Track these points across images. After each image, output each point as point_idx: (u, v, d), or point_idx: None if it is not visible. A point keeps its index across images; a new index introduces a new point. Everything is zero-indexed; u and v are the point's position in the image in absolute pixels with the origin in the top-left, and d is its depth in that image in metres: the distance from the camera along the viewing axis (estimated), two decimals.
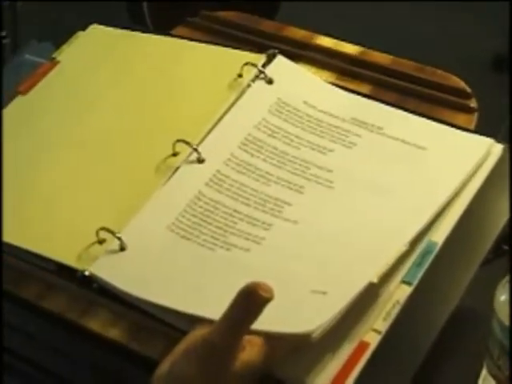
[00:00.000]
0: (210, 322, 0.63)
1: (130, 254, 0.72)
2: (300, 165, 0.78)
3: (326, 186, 0.76)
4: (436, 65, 0.91)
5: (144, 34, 0.92)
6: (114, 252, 0.72)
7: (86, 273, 0.71)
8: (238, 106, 0.82)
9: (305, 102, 0.83)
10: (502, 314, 0.64)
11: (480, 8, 2.42)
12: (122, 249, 0.72)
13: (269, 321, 0.63)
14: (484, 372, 0.68)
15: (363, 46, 0.93)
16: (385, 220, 0.73)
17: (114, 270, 0.71)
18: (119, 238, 0.72)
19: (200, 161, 0.78)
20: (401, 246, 0.69)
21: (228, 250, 0.72)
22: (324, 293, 0.66)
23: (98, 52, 0.91)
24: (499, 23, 2.27)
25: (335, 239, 0.72)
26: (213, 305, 0.66)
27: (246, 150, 0.79)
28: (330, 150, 0.79)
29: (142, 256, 0.72)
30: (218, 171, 0.77)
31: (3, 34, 1.26)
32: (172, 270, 0.71)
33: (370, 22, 2.40)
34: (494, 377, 0.66)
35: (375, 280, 0.66)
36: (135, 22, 1.58)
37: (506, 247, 0.80)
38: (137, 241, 0.72)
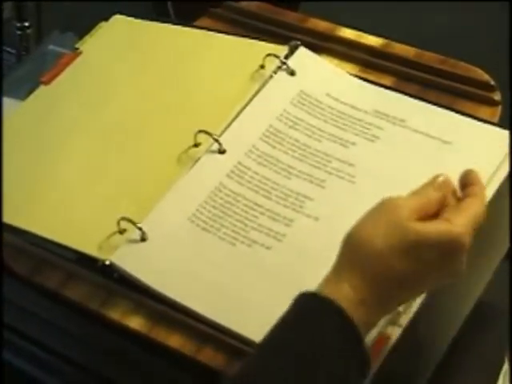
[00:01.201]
0: None
1: (151, 245, 0.72)
2: (321, 158, 0.78)
3: (348, 181, 0.76)
4: (460, 57, 0.90)
5: (166, 25, 0.92)
6: (134, 242, 0.72)
7: (107, 262, 0.71)
8: (259, 97, 0.82)
9: (327, 94, 0.83)
10: None
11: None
12: (143, 239, 0.72)
13: None
14: (505, 366, 0.68)
15: (386, 38, 0.92)
16: None
17: (134, 260, 0.71)
18: (140, 229, 0.72)
19: (221, 152, 0.78)
20: None
21: (249, 246, 0.72)
22: None
23: (121, 42, 0.92)
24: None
25: None
26: (233, 311, 0.68)
27: (267, 142, 0.79)
28: (353, 143, 0.79)
29: (162, 247, 0.72)
30: (240, 163, 0.77)
31: (27, 23, 1.27)
32: (192, 264, 0.71)
33: (392, 15, 2.39)
34: None
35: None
36: (158, 13, 1.58)
37: None
38: (157, 231, 0.73)
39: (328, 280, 0.61)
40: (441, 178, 0.64)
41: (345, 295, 0.59)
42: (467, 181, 0.65)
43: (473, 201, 0.63)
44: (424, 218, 0.61)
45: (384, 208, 0.62)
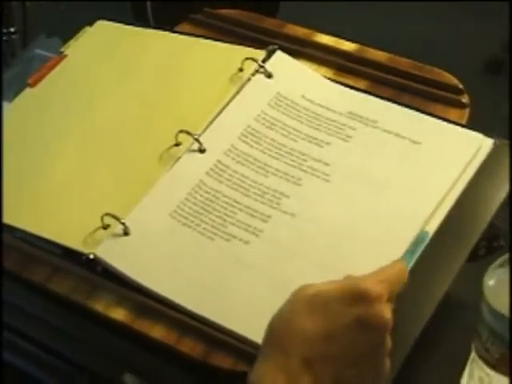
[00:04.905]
0: None
1: (133, 239, 0.74)
2: (297, 157, 0.80)
3: (323, 179, 0.78)
4: (431, 64, 0.92)
5: (149, 30, 0.94)
6: (118, 236, 0.74)
7: (91, 256, 0.73)
8: (238, 99, 0.84)
9: (302, 96, 0.85)
10: (491, 298, 0.65)
11: (472, 9, 2.42)
12: (126, 233, 0.74)
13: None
14: (473, 354, 0.69)
15: (361, 44, 0.94)
16: (382, 217, 0.75)
17: (117, 253, 0.73)
18: (123, 224, 0.74)
19: (201, 151, 0.80)
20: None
21: (228, 240, 0.74)
22: None
23: (104, 46, 0.93)
24: (492, 26, 2.28)
25: (332, 237, 0.74)
26: (213, 303, 0.70)
27: (245, 141, 0.81)
28: (327, 143, 0.81)
29: (144, 241, 0.74)
30: (219, 161, 0.79)
31: (13, 29, 1.29)
32: (173, 258, 0.73)
33: (368, 22, 2.41)
34: (483, 358, 0.67)
35: None
36: (138, 18, 1.60)
37: (496, 244, 0.82)
38: (140, 227, 0.75)
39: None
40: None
41: None
42: None
43: (388, 267, 0.63)
44: None
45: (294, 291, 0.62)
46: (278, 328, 0.61)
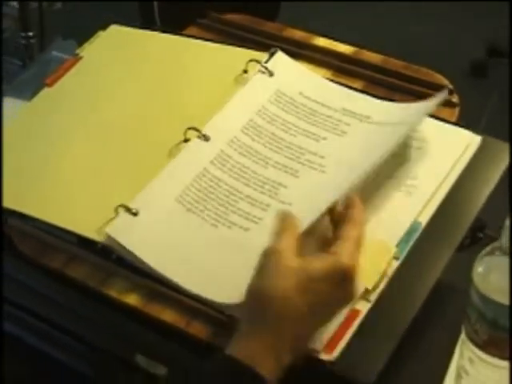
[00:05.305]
0: None
1: (141, 220, 0.78)
2: (295, 150, 0.83)
3: (319, 171, 0.82)
4: (426, 64, 0.96)
5: (159, 34, 0.98)
6: (127, 219, 0.78)
7: (104, 239, 0.76)
8: (241, 94, 0.87)
9: (300, 93, 0.89)
10: (480, 283, 0.68)
11: (458, 16, 2.44)
12: (135, 214, 0.78)
13: None
14: (462, 335, 0.72)
15: (357, 46, 0.98)
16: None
17: (125, 232, 0.76)
18: (130, 210, 0.78)
19: (206, 139, 0.84)
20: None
21: (229, 227, 0.78)
22: None
23: (117, 49, 0.97)
24: (492, 26, 2.30)
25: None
26: (214, 286, 0.73)
27: (247, 134, 0.85)
28: (323, 138, 0.85)
29: (151, 223, 0.78)
30: (222, 151, 0.83)
31: (31, 34, 1.34)
32: (178, 244, 0.77)
33: (367, 23, 2.43)
34: (471, 339, 0.70)
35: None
36: (146, 22, 1.63)
37: (481, 235, 0.85)
38: (147, 209, 0.78)
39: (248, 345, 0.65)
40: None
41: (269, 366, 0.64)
42: (347, 202, 0.72)
43: (351, 227, 0.69)
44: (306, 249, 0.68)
45: (269, 259, 0.68)
46: (270, 302, 0.65)
